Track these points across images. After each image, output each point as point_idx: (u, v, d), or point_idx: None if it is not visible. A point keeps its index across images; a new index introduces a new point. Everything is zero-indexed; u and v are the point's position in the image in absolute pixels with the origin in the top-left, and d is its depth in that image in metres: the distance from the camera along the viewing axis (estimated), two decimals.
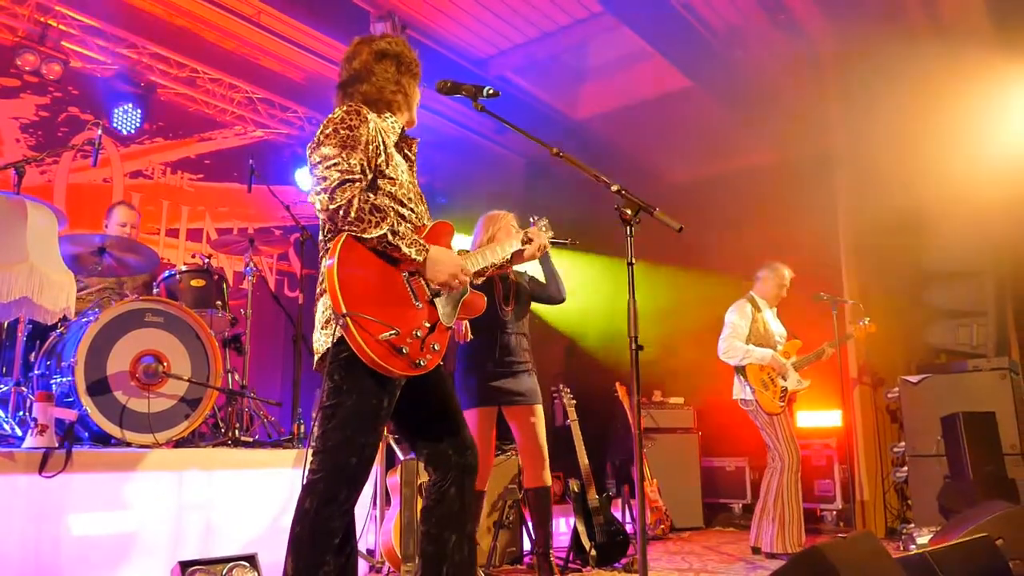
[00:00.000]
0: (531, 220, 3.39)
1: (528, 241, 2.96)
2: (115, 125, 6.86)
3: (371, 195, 2.35)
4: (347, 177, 2.29)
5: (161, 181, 7.31)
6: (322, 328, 2.36)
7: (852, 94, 6.46)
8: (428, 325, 2.38)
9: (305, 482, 2.27)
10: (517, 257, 2.98)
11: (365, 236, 2.28)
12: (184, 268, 4.90)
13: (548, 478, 4.08)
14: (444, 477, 2.47)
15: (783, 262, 5.39)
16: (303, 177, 7.66)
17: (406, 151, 2.60)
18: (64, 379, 3.68)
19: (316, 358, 2.39)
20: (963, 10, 6.22)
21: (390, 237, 2.30)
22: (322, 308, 2.37)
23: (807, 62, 6.64)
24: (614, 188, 2.48)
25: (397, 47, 2.64)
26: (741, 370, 5.15)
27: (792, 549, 4.85)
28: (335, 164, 2.30)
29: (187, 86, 7.29)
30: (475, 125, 7.98)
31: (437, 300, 2.45)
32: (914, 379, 5.94)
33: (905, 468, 5.97)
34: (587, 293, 7.35)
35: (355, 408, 2.28)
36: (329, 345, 2.30)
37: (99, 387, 3.65)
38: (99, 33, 6.61)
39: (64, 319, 3.73)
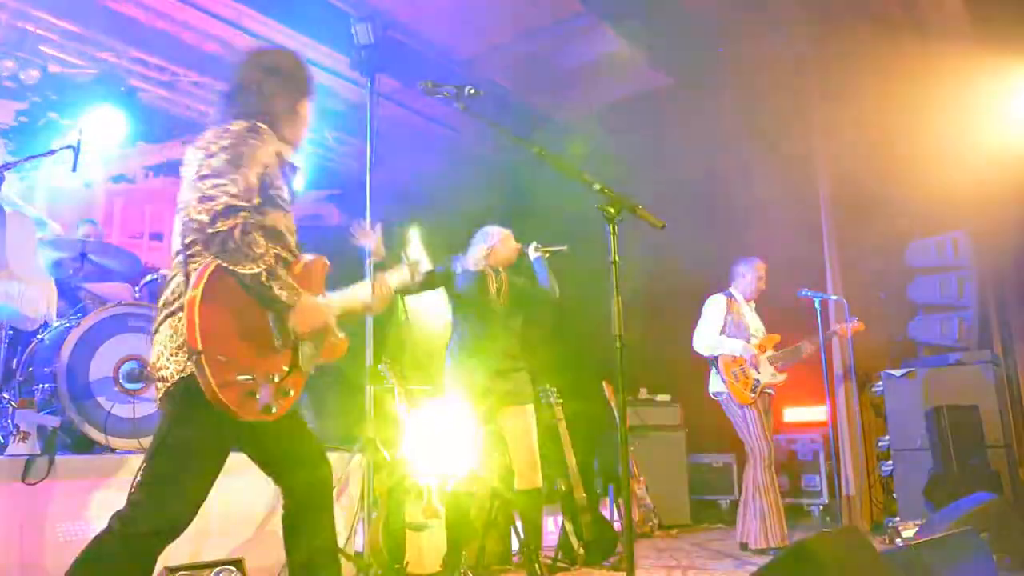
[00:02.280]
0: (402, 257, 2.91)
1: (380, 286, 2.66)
2: (95, 130, 6.80)
3: (252, 227, 2.16)
4: (234, 204, 2.12)
5: (143, 185, 7.26)
6: (171, 354, 2.18)
7: (833, 91, 6.50)
8: (286, 369, 2.25)
9: (121, 511, 2.14)
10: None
11: (237, 270, 2.12)
12: (167, 272, 4.87)
13: (539, 480, 4.06)
14: (291, 500, 2.42)
15: (761, 257, 5.44)
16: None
17: (289, 175, 2.44)
18: (46, 385, 3.66)
19: (163, 386, 2.19)
20: (941, 6, 6.27)
21: (264, 277, 2.15)
22: (171, 331, 2.20)
23: (788, 60, 6.68)
24: (596, 187, 2.49)
25: (287, 62, 2.50)
26: (715, 362, 5.20)
27: (775, 543, 4.87)
28: (224, 186, 2.13)
29: (168, 90, 7.24)
30: (456, 123, 7.96)
31: (299, 343, 2.30)
32: (898, 373, 5.99)
33: (890, 462, 6.02)
34: (571, 290, 7.35)
35: (192, 444, 2.15)
36: (178, 377, 2.14)
37: (82, 393, 3.63)
38: (78, 37, 6.54)
39: (45, 324, 3.70)
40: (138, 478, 2.15)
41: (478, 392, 3.91)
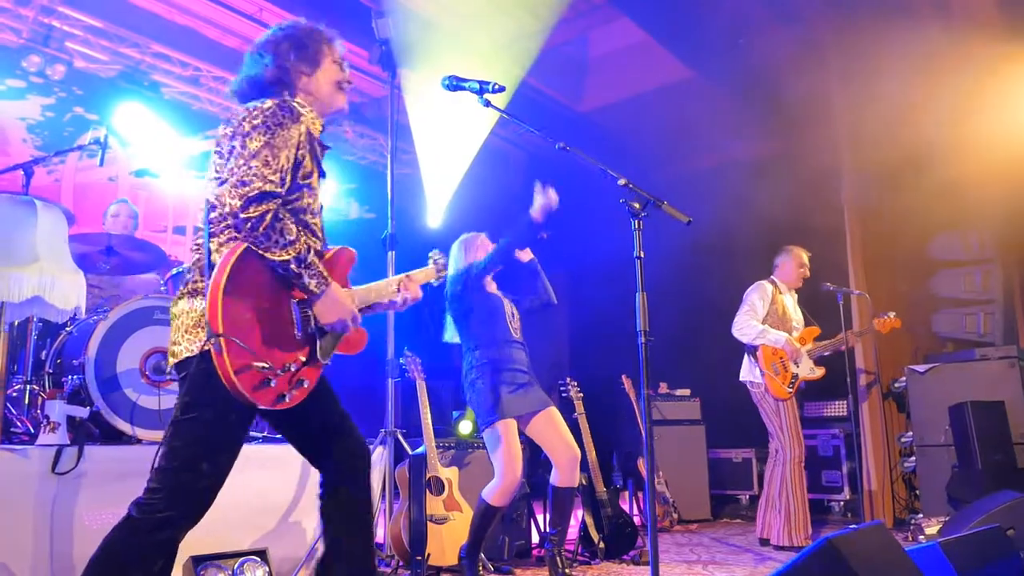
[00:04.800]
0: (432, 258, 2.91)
1: (405, 285, 2.65)
2: (120, 124, 6.87)
3: (284, 213, 2.16)
4: (268, 189, 2.10)
5: (167, 179, 7.32)
6: (186, 332, 2.18)
7: (855, 80, 6.44)
8: (303, 359, 2.22)
9: (139, 498, 2.13)
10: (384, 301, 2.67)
11: (268, 256, 2.10)
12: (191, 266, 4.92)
13: (577, 478, 4.03)
14: (333, 478, 2.38)
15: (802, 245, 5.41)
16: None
17: (319, 156, 2.40)
18: (75, 377, 3.71)
19: (174, 360, 2.20)
20: None
21: (294, 265, 2.13)
22: (189, 310, 2.20)
23: (809, 49, 6.62)
24: (621, 182, 2.48)
25: (306, 33, 2.45)
26: (753, 352, 5.15)
27: (799, 542, 4.85)
28: (256, 171, 2.10)
29: (191, 85, 7.30)
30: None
31: (319, 334, 2.28)
32: (921, 368, 5.94)
33: (913, 458, 5.97)
34: (592, 285, 7.35)
35: (208, 429, 2.13)
36: (194, 354, 2.13)
37: (110, 384, 3.67)
38: (102, 33, 6.63)
39: (74, 317, 3.75)
40: (155, 464, 2.14)
41: (508, 409, 3.87)
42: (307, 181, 2.29)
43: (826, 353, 5.27)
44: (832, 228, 6.55)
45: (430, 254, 2.85)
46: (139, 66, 6.91)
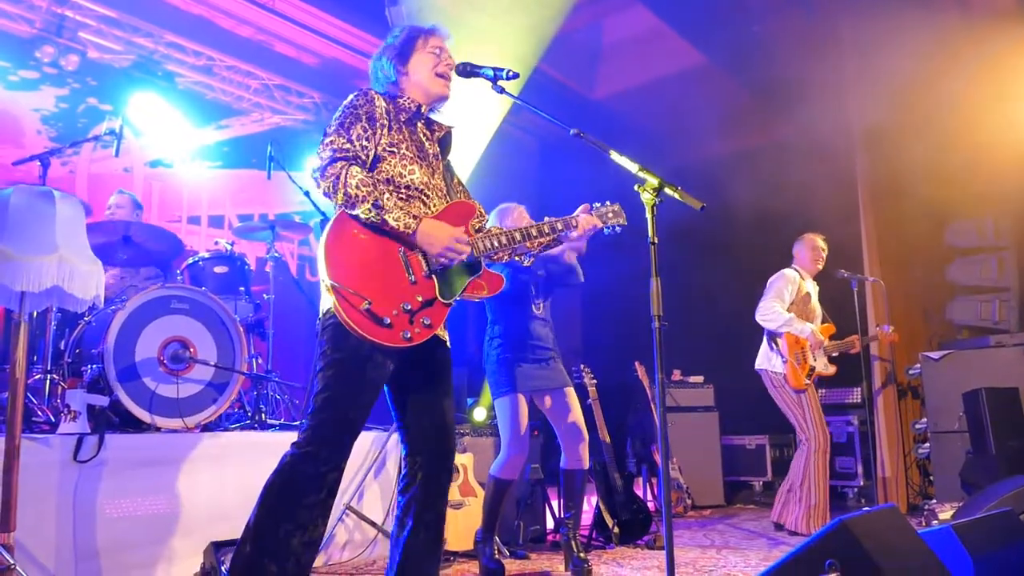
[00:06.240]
0: (596, 206, 2.87)
1: (572, 227, 2.78)
2: (134, 114, 6.91)
3: (363, 172, 2.37)
4: (338, 155, 2.36)
5: (181, 169, 7.36)
6: (324, 294, 2.41)
7: (872, 69, 6.40)
8: (421, 300, 2.39)
9: (297, 438, 2.32)
10: (556, 241, 2.83)
11: (353, 212, 2.34)
12: (207, 255, 4.96)
13: (587, 459, 4.08)
14: (414, 461, 2.50)
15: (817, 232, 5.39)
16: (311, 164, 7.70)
17: (425, 132, 2.63)
18: (94, 366, 3.75)
19: (319, 322, 2.44)
20: None
21: (373, 212, 2.33)
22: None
23: (824, 34, 6.58)
24: (635, 168, 2.49)
25: (388, 41, 2.72)
26: (774, 340, 5.12)
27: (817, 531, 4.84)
28: (330, 143, 2.39)
29: (204, 75, 7.33)
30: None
31: (438, 275, 2.45)
32: (936, 355, 5.92)
33: (927, 444, 5.96)
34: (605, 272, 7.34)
35: (339, 374, 2.32)
36: (323, 311, 2.38)
37: (128, 373, 3.72)
38: (115, 23, 6.65)
39: (92, 307, 3.79)
40: (308, 407, 2.34)
41: (521, 383, 3.92)
42: (396, 150, 2.49)
43: (834, 354, 5.25)
44: (847, 215, 6.52)
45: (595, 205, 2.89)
46: (153, 56, 6.94)
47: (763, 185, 6.77)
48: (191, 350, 3.93)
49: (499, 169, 7.85)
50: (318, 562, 4.03)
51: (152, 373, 3.80)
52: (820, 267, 5.34)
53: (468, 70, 2.75)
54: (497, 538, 4.13)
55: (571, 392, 4.05)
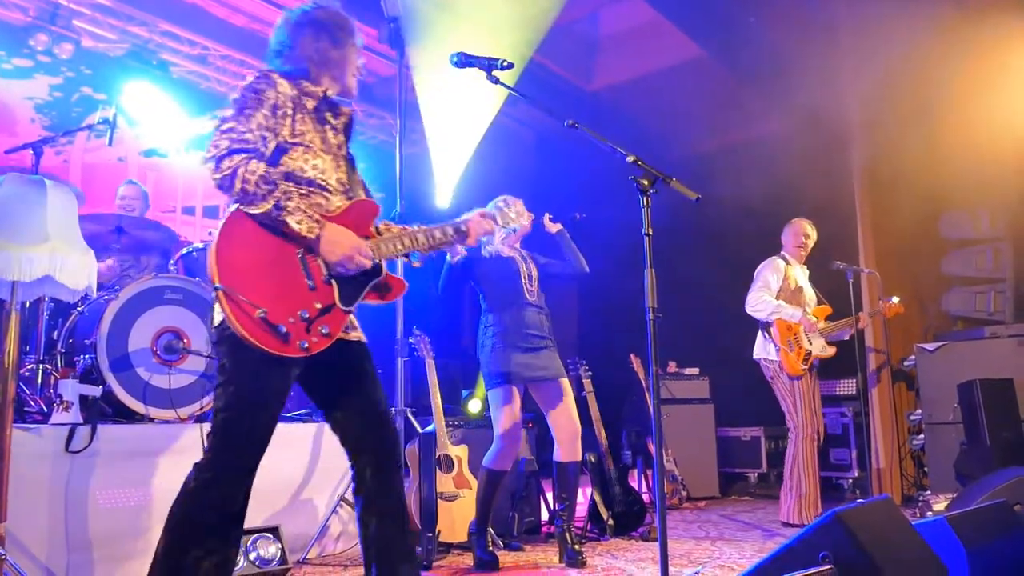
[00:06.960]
0: (498, 205, 2.97)
1: (463, 232, 2.69)
2: (128, 104, 6.87)
3: (263, 166, 2.20)
4: (237, 147, 2.17)
5: (176, 159, 7.32)
6: (216, 302, 2.23)
7: (867, 60, 6.39)
8: (319, 307, 2.24)
9: (199, 460, 2.22)
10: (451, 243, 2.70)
11: (251, 211, 2.17)
12: (201, 246, 4.93)
13: (579, 451, 4.07)
14: (357, 460, 2.39)
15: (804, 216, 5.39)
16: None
17: (330, 120, 2.46)
18: (87, 356, 3.74)
19: (215, 331, 2.29)
20: None
21: (274, 212, 2.16)
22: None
23: (820, 27, 6.56)
24: (630, 159, 2.48)
25: (317, 14, 2.50)
26: (767, 328, 5.13)
27: (809, 521, 4.86)
28: (229, 130, 2.20)
29: (198, 64, 7.29)
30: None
31: (337, 281, 2.30)
32: (931, 347, 5.92)
33: (922, 436, 5.98)
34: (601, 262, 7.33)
35: (240, 392, 2.19)
36: (218, 321, 2.22)
37: (121, 364, 3.70)
38: (110, 11, 6.60)
39: (85, 297, 3.77)
40: (210, 423, 2.23)
41: (514, 373, 3.92)
42: (300, 140, 2.33)
43: (836, 334, 5.24)
44: (843, 207, 6.51)
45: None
46: (147, 45, 6.89)
47: (759, 176, 6.76)
48: (184, 341, 3.91)
49: (494, 161, 7.83)
50: (312, 553, 4.04)
51: (145, 363, 3.78)
52: (804, 253, 5.35)
53: (463, 60, 2.74)
54: (491, 530, 4.13)
55: (565, 383, 4.05)
